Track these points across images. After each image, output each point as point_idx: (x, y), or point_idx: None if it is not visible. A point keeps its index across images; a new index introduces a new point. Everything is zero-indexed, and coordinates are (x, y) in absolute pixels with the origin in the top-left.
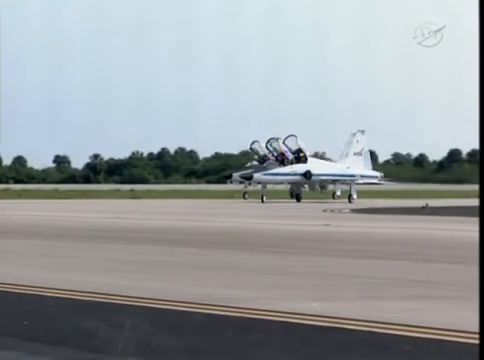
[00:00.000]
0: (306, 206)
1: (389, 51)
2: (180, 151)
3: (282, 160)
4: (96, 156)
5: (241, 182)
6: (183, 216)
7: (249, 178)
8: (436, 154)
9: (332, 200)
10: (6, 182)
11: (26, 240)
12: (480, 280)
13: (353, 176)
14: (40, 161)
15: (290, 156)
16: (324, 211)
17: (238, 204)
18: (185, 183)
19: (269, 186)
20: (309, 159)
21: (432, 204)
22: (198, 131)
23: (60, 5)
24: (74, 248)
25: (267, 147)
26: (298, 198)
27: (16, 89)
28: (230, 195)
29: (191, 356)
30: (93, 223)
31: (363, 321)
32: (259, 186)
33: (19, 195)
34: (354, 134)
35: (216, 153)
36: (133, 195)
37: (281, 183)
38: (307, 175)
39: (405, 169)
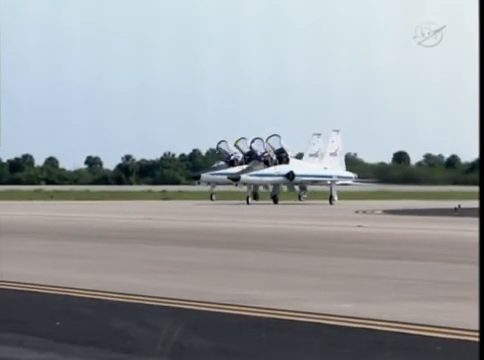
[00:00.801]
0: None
1: (389, 51)
2: (211, 152)
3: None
4: (128, 157)
5: (208, 183)
6: (213, 217)
7: (236, 179)
8: (469, 155)
9: (309, 201)
10: (38, 183)
11: (57, 241)
12: (480, 280)
13: (331, 177)
14: (72, 162)
15: (270, 155)
16: (356, 212)
17: (257, 206)
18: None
19: (218, 187)
20: (291, 160)
21: (464, 205)
22: (229, 133)
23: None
24: (105, 249)
25: (236, 145)
26: (275, 200)
27: (49, 91)
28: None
29: (224, 357)
30: (124, 224)
31: (395, 322)
32: (245, 187)
33: (51, 196)
34: (316, 135)
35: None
36: (164, 196)
37: (266, 184)
38: (290, 176)
39: (438, 170)
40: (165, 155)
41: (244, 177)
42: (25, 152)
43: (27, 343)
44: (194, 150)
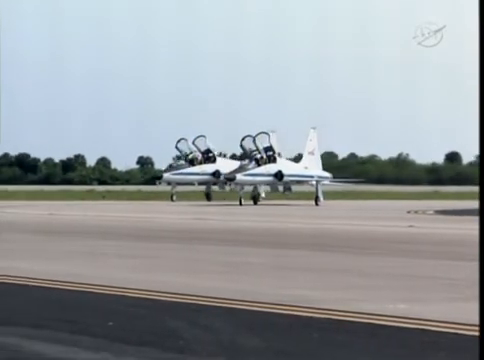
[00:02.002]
0: (377, 206)
1: (389, 51)
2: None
3: (208, 158)
4: (179, 157)
5: (168, 183)
6: (265, 217)
7: (232, 179)
8: None
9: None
10: (90, 183)
11: (110, 241)
12: (480, 280)
13: (312, 177)
14: (123, 162)
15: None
16: (408, 212)
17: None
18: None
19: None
20: (279, 160)
21: None
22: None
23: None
24: (157, 249)
25: (194, 144)
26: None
27: (100, 92)
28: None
29: (277, 357)
30: (176, 224)
31: (449, 323)
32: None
33: (103, 196)
34: (268, 133)
35: (299, 154)
36: (224, 196)
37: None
38: (278, 176)
39: None
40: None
41: (239, 177)
42: (77, 152)
43: (82, 343)
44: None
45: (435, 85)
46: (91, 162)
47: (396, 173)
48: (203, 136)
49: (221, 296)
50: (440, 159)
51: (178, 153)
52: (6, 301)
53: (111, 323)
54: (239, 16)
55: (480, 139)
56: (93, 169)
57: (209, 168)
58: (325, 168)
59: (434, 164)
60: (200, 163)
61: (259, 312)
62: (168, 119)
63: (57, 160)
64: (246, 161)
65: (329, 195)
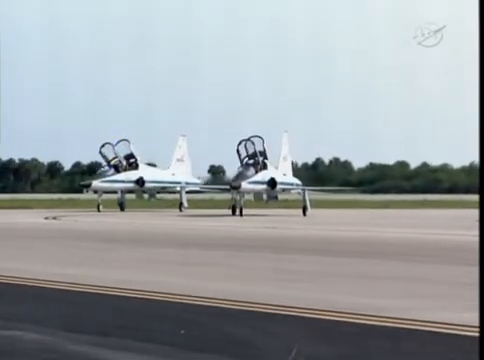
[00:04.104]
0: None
1: (389, 51)
2: (335, 161)
3: (130, 164)
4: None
5: (95, 191)
6: (332, 226)
7: (237, 187)
8: None
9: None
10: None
11: (180, 249)
12: (480, 280)
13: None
14: (196, 171)
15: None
16: (477, 221)
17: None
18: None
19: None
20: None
21: None
22: (352, 141)
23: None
24: (227, 257)
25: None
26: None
27: (174, 102)
28: (385, 205)
29: None
30: (245, 233)
31: None
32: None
33: (173, 204)
34: (182, 136)
35: (371, 163)
36: (286, 205)
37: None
38: (271, 183)
39: None
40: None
41: (244, 185)
42: (149, 161)
43: (150, 351)
44: (317, 159)
45: None
46: None
47: (468, 182)
48: (126, 140)
49: (293, 304)
50: None
51: (103, 159)
52: (75, 309)
53: (182, 331)
54: (239, 16)
55: (480, 139)
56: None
57: (133, 175)
58: (396, 178)
59: None
60: (125, 169)
61: (330, 320)
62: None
63: None
64: (246, 167)
65: (396, 204)
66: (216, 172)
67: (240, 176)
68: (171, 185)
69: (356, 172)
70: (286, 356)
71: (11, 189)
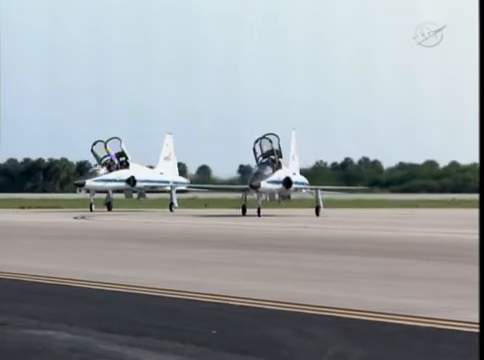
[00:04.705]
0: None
1: (389, 51)
2: (364, 161)
3: (120, 163)
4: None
5: (88, 191)
6: (367, 225)
7: (257, 187)
8: None
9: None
10: (192, 191)
11: (213, 249)
12: (480, 280)
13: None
14: (225, 171)
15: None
16: None
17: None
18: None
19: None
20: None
21: None
22: (382, 141)
23: None
24: (259, 257)
25: (105, 148)
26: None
27: (198, 103)
28: (414, 205)
29: None
30: (280, 232)
31: None
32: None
33: (205, 204)
34: (169, 134)
35: (400, 163)
36: (318, 204)
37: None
38: (286, 182)
39: None
40: (317, 164)
41: (263, 184)
42: (179, 161)
43: (185, 351)
44: (346, 159)
45: None
46: (192, 170)
47: None
48: (117, 138)
49: (325, 304)
50: None
51: (94, 157)
52: (110, 309)
53: (215, 331)
54: (239, 17)
55: (480, 139)
56: (194, 177)
57: (124, 174)
58: (426, 177)
59: None
60: (117, 168)
61: (364, 321)
62: (266, 129)
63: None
64: (263, 166)
65: (425, 204)
66: (245, 171)
67: (259, 175)
68: (161, 184)
69: (385, 172)
70: (319, 357)
71: (41, 189)
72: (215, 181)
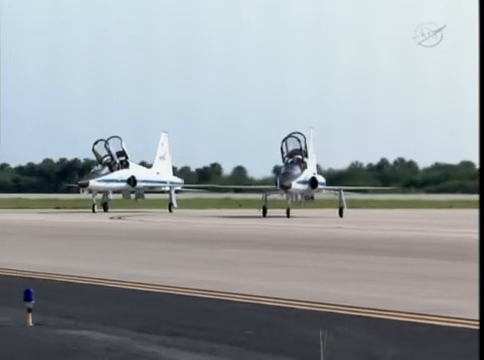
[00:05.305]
0: None
1: (389, 51)
2: (400, 161)
3: (120, 162)
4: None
5: (90, 191)
6: (403, 226)
7: (288, 187)
8: None
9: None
10: (226, 191)
11: (245, 249)
12: (480, 280)
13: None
14: (260, 171)
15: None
16: None
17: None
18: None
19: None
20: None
21: None
22: (418, 141)
23: None
24: (294, 258)
25: (105, 147)
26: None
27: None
28: (449, 205)
29: None
30: (314, 233)
31: None
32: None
33: (239, 205)
34: (164, 133)
35: (436, 163)
36: (352, 205)
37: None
38: (311, 182)
39: None
40: (353, 164)
41: (294, 185)
42: (213, 161)
43: (220, 351)
44: (382, 159)
45: None
46: (227, 171)
47: None
48: (118, 137)
49: (359, 305)
50: None
51: (95, 157)
52: (147, 309)
53: (249, 332)
54: (238, 17)
55: (480, 140)
56: (229, 178)
57: (125, 174)
58: (462, 177)
59: None
60: (118, 168)
61: (397, 321)
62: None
63: (193, 169)
64: (290, 165)
65: (460, 204)
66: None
67: (288, 175)
68: (159, 185)
69: (421, 172)
70: (350, 355)
71: (77, 189)
72: (251, 181)
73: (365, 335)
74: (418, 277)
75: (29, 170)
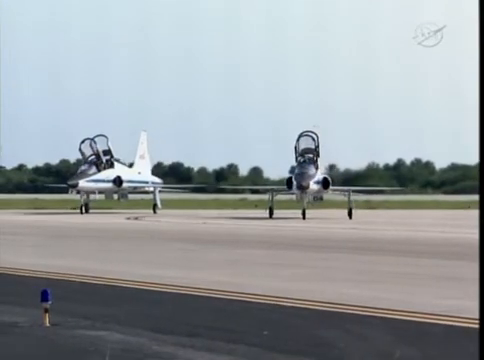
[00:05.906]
0: None
1: (389, 51)
2: (416, 162)
3: (106, 161)
4: (332, 166)
5: (78, 192)
6: (420, 227)
7: (305, 188)
8: None
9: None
10: (243, 192)
11: (265, 250)
12: (480, 280)
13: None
14: (276, 171)
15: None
16: None
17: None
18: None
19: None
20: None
21: None
22: (434, 142)
23: None
24: (312, 259)
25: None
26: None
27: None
28: (467, 206)
29: None
30: (334, 233)
31: None
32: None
33: (255, 205)
34: (143, 131)
35: (453, 164)
36: (368, 205)
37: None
38: (323, 183)
39: None
40: (369, 165)
41: (311, 185)
42: (230, 162)
43: (236, 352)
44: (399, 160)
45: None
46: (244, 171)
47: None
48: (103, 135)
49: (376, 306)
50: None
51: (82, 156)
52: (162, 309)
53: (266, 332)
54: (238, 18)
55: (480, 140)
56: (245, 178)
57: (110, 174)
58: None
59: None
60: (104, 168)
61: (412, 321)
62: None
63: (210, 170)
64: (303, 165)
65: (477, 205)
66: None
67: (305, 175)
68: (142, 185)
69: (438, 172)
70: (367, 356)
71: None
72: (267, 181)
73: (383, 335)
74: (435, 278)
75: (46, 170)
